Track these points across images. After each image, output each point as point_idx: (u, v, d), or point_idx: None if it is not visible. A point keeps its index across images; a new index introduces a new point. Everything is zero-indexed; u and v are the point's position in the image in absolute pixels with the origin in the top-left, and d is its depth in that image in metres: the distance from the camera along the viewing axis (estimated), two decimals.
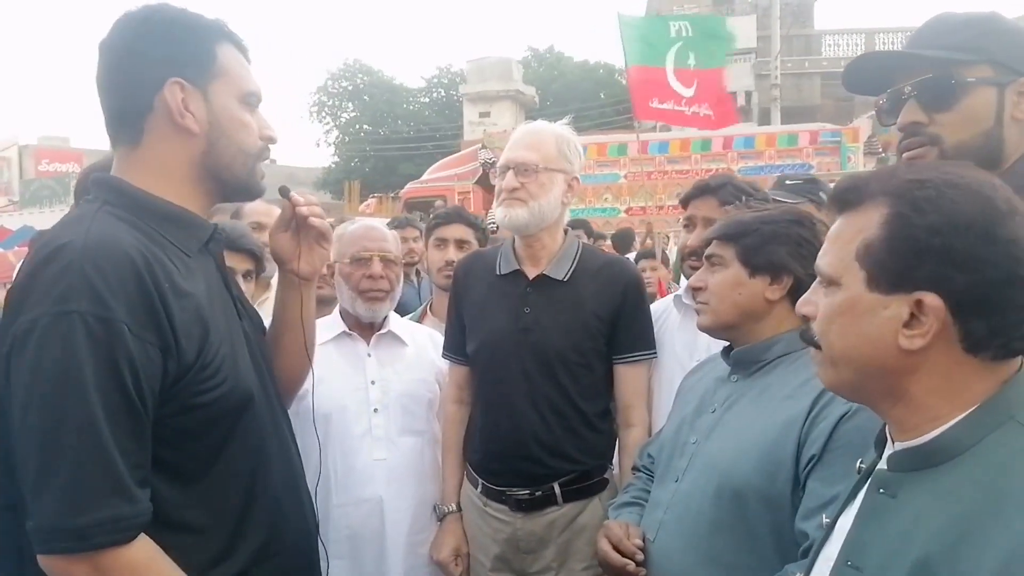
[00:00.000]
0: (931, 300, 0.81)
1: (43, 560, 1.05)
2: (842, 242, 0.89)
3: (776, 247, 1.49)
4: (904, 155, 1.24)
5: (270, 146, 1.33)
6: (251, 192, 1.33)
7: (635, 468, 1.80)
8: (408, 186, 13.54)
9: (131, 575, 1.08)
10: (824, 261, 0.92)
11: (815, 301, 0.93)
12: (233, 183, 1.29)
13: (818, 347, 0.92)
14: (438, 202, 11.09)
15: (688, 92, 7.96)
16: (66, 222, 1.18)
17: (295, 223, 1.45)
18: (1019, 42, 1.19)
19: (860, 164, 9.06)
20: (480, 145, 11.46)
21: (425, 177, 13.01)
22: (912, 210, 0.83)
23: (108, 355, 1.05)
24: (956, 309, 0.81)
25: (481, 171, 11.00)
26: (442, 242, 2.72)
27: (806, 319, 0.95)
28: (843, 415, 1.29)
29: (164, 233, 1.20)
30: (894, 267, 0.83)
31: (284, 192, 1.45)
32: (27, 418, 1.04)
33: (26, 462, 1.04)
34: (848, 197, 0.91)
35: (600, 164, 9.59)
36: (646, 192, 9.04)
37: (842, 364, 0.89)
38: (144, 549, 1.09)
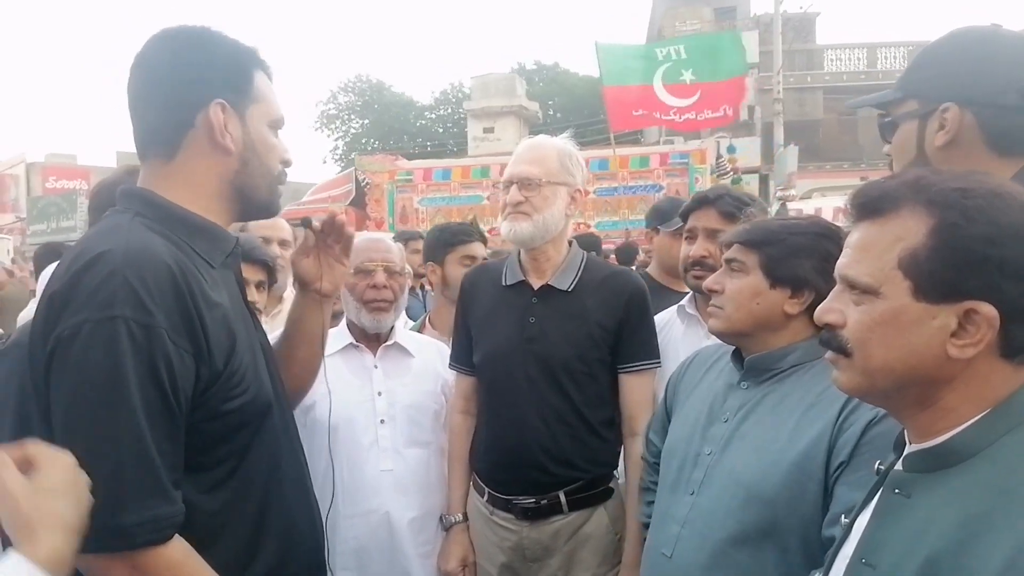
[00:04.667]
0: (986, 309, 0.81)
1: (80, 560, 1.06)
2: (878, 251, 0.88)
3: (801, 260, 1.44)
4: None
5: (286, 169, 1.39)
6: (269, 211, 1.39)
7: (644, 459, 1.82)
8: (287, 207, 13.89)
9: (168, 573, 1.10)
10: (857, 270, 0.90)
11: (840, 309, 0.92)
12: (256, 202, 1.34)
13: (846, 354, 0.91)
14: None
15: (685, 102, 8.30)
16: (102, 231, 1.21)
17: (315, 247, 1.53)
18: (943, 70, 1.22)
19: (707, 184, 9.31)
20: (353, 168, 11.79)
21: (305, 199, 13.55)
22: (964, 220, 0.82)
23: (149, 360, 1.08)
24: (1005, 317, 0.81)
25: (354, 192, 11.33)
26: (470, 260, 2.72)
27: (829, 327, 0.93)
28: (870, 421, 1.27)
29: (192, 245, 1.23)
30: (946, 277, 0.82)
31: (307, 223, 1.52)
32: (70, 420, 1.07)
33: None
34: (878, 205, 0.89)
35: (464, 186, 9.96)
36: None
37: (880, 374, 0.88)
38: (179, 548, 1.12)
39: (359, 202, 11.15)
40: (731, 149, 10.31)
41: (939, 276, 0.83)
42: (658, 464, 1.72)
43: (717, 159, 9.80)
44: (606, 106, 8.87)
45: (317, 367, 1.61)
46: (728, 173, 9.66)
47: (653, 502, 1.69)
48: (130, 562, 1.07)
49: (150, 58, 1.25)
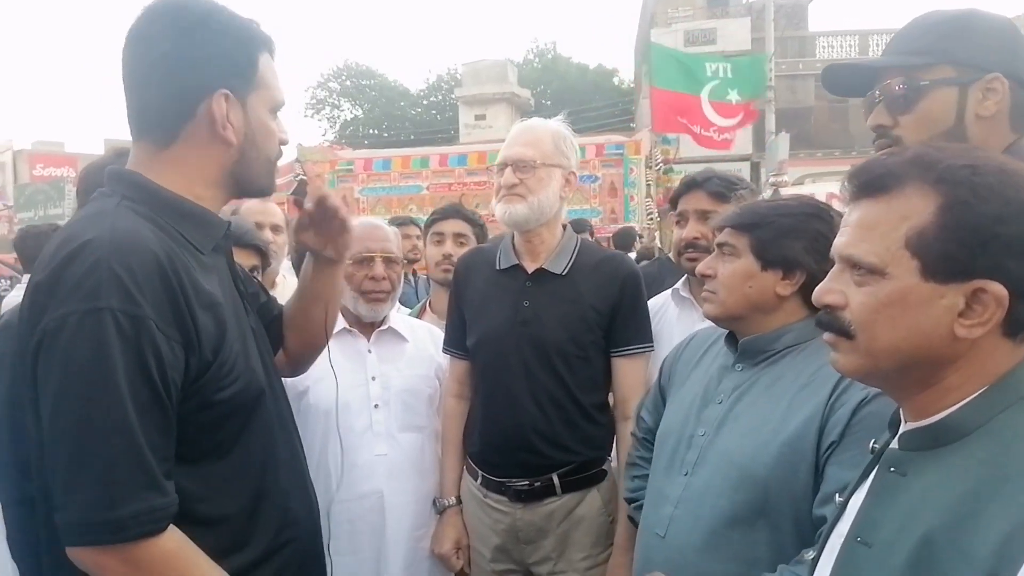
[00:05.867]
0: (996, 288, 0.80)
1: (74, 552, 1.06)
2: (883, 229, 0.86)
3: (792, 241, 1.44)
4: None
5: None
6: (265, 192, 1.37)
7: (634, 435, 1.83)
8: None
9: (162, 564, 1.09)
10: (861, 249, 0.87)
11: (840, 289, 0.90)
12: (254, 186, 1.32)
13: (848, 336, 0.89)
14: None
15: (728, 122, 8.38)
16: (87, 217, 1.17)
17: (313, 221, 1.49)
18: (986, 41, 1.21)
19: (641, 175, 9.42)
20: (295, 158, 11.91)
21: None
22: (974, 198, 0.81)
23: (137, 351, 1.06)
24: (1012, 296, 0.80)
25: (296, 183, 11.48)
26: (440, 237, 2.75)
27: (829, 307, 0.91)
28: (861, 401, 1.28)
29: (181, 230, 1.21)
30: (957, 256, 0.81)
31: (299, 203, 1.49)
32: (59, 413, 1.05)
33: (56, 456, 1.05)
34: (882, 182, 0.87)
35: (404, 176, 10.04)
36: (447, 202, 9.38)
37: (886, 355, 0.87)
38: (173, 539, 1.11)
39: (300, 192, 11.22)
40: (665, 141, 10.44)
41: (949, 255, 0.81)
42: (647, 441, 1.74)
43: (651, 150, 9.85)
44: (651, 106, 8.87)
45: (330, 329, 1.60)
46: (659, 165, 9.75)
47: (638, 477, 1.72)
48: (124, 555, 1.06)
49: (152, 35, 1.18)
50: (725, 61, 9.23)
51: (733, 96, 8.65)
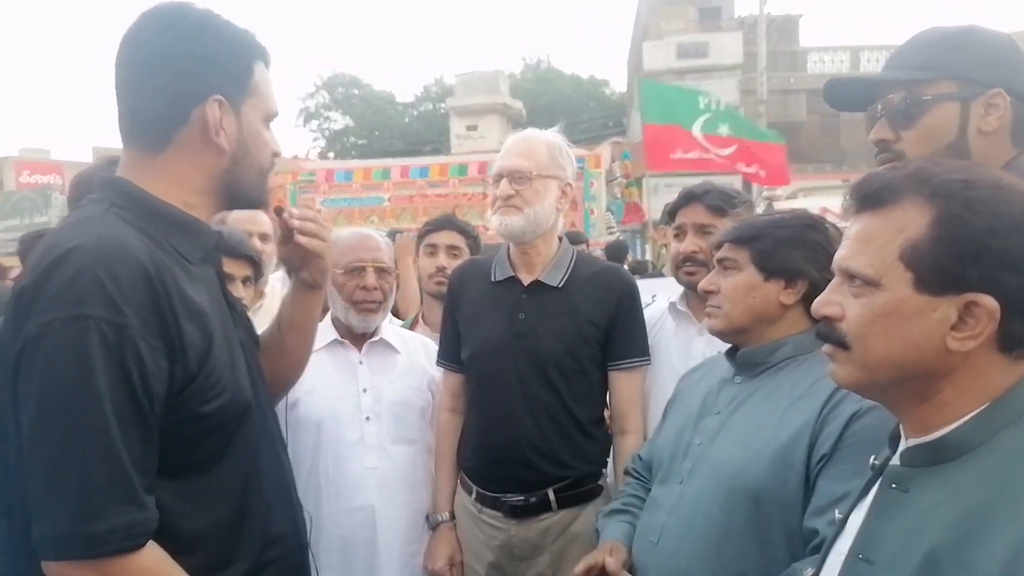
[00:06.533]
0: (987, 302, 0.81)
1: (50, 567, 1.04)
2: (879, 242, 0.87)
3: (791, 251, 1.48)
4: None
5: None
6: (258, 203, 1.34)
7: (627, 472, 1.81)
8: None
9: None
10: (858, 261, 0.89)
11: (838, 301, 0.92)
12: (245, 196, 1.30)
13: (844, 347, 0.91)
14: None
15: (723, 151, 8.40)
16: (73, 223, 1.15)
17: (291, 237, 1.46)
18: (988, 57, 1.23)
19: (602, 189, 9.47)
20: None
21: None
22: (967, 211, 0.82)
23: (120, 361, 1.04)
24: (1004, 310, 0.81)
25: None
26: (433, 248, 2.73)
27: (827, 319, 0.93)
28: (853, 414, 1.30)
29: (170, 240, 1.19)
30: (948, 269, 0.82)
31: (279, 211, 1.47)
32: (38, 423, 1.03)
33: (35, 467, 1.03)
34: (880, 196, 0.89)
35: (366, 188, 10.02)
36: (409, 214, 9.34)
37: (881, 367, 0.88)
38: (152, 555, 1.08)
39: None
40: (625, 155, 10.57)
41: (941, 268, 0.83)
42: (635, 480, 1.74)
43: (611, 163, 9.89)
44: (644, 145, 8.86)
45: (305, 357, 1.57)
46: (618, 178, 9.80)
47: (619, 518, 1.68)
48: (101, 570, 1.03)
49: (147, 40, 1.18)
50: (717, 97, 9.26)
51: (723, 130, 8.71)
